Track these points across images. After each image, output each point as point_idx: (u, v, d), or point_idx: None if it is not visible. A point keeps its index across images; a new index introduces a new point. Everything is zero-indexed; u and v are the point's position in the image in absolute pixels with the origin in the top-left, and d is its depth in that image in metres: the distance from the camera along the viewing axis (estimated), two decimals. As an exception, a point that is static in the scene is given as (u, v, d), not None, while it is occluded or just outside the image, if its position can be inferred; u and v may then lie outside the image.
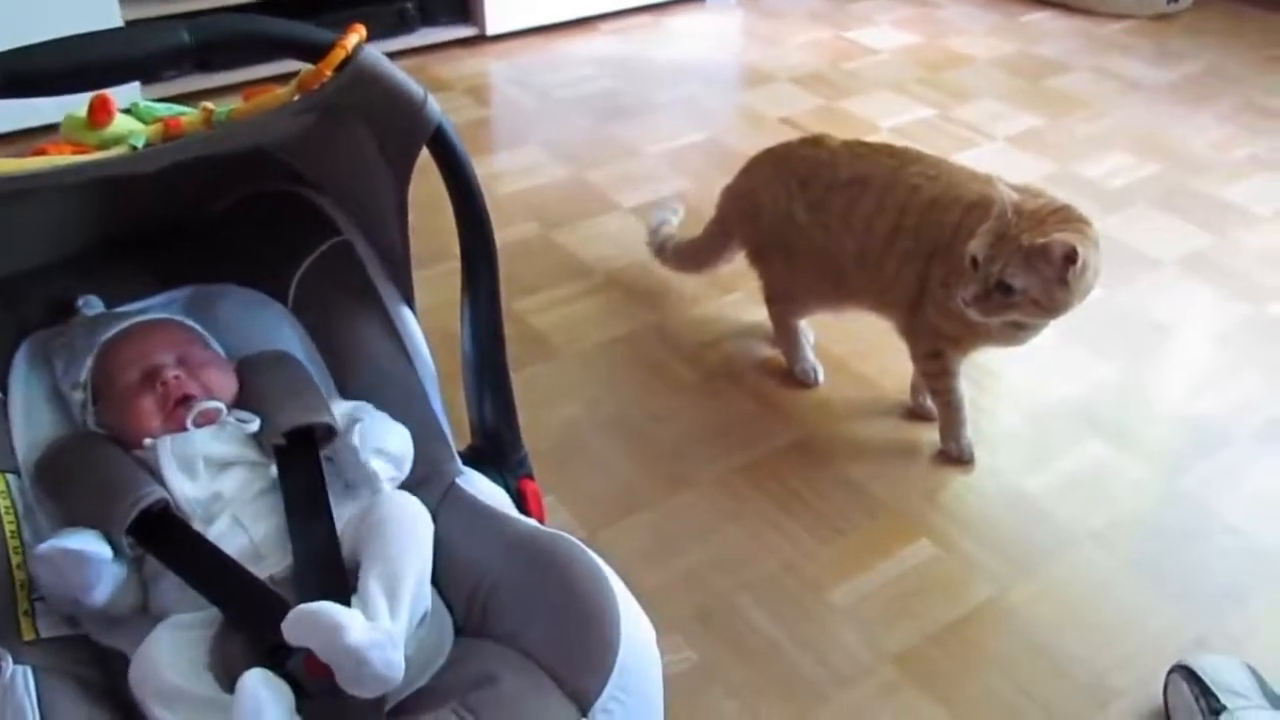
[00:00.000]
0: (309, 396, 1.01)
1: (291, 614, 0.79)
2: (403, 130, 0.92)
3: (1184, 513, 1.50)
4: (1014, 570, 1.40)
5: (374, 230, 1.09)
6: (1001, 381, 1.73)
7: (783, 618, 1.33)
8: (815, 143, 1.61)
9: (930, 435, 1.61)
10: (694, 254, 1.84)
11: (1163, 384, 1.74)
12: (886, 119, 2.58)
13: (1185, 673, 1.18)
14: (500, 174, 2.31)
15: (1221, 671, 1.17)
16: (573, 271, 1.98)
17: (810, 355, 1.73)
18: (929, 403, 1.63)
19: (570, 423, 1.63)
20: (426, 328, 1.14)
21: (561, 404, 1.66)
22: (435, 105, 0.91)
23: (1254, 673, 1.17)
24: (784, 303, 1.72)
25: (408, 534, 0.91)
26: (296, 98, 0.90)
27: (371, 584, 0.85)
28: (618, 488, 1.52)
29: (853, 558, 1.41)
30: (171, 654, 0.82)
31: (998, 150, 2.45)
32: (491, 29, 2.92)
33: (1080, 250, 1.26)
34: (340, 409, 1.02)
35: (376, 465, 0.96)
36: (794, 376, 1.73)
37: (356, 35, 0.87)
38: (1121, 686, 1.25)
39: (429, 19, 2.88)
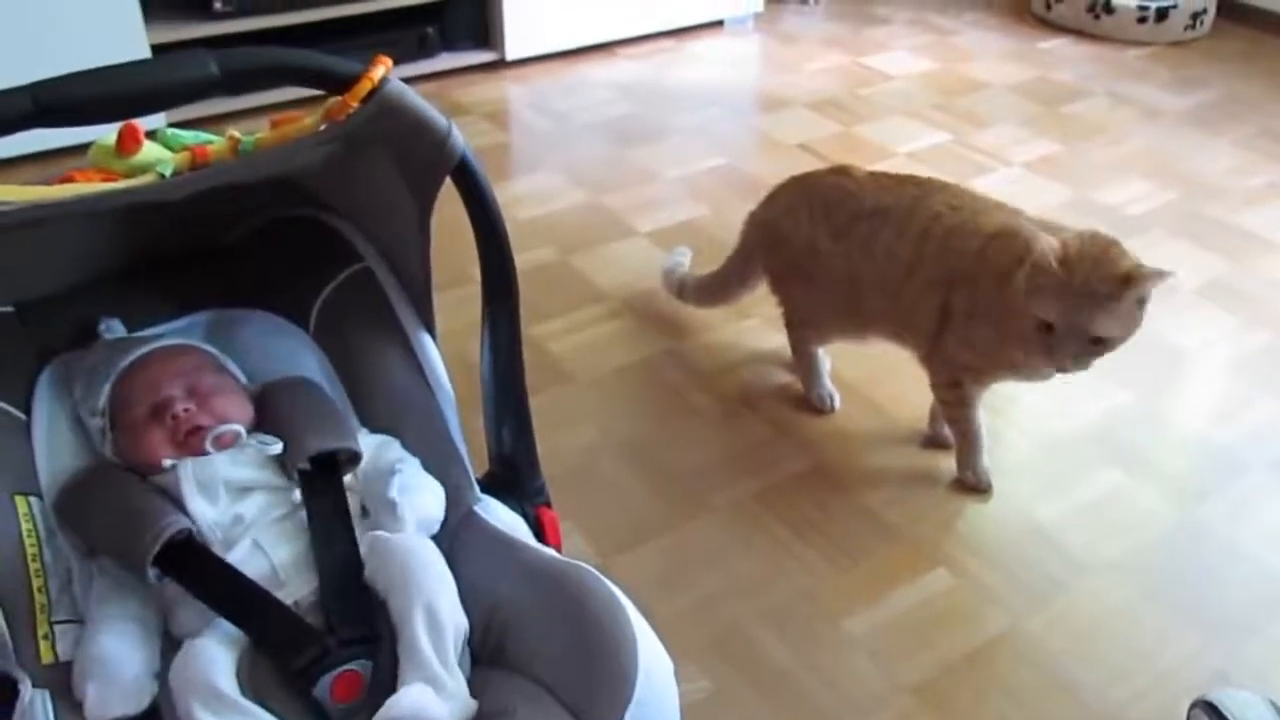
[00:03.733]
0: (333, 421, 1.02)
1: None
2: (426, 161, 0.93)
3: (1201, 542, 1.50)
4: (1030, 600, 1.39)
5: (395, 257, 1.10)
6: (1018, 409, 1.73)
7: (798, 646, 1.32)
8: (842, 172, 1.62)
9: (947, 463, 1.61)
10: (716, 286, 1.84)
11: (1180, 412, 1.74)
12: (903, 144, 2.59)
13: (1208, 708, 1.17)
14: (518, 199, 2.33)
15: (1245, 708, 1.16)
16: (589, 297, 1.98)
17: (827, 382, 1.73)
18: (947, 431, 1.62)
19: (586, 448, 1.63)
20: (445, 352, 1.14)
21: (577, 430, 1.67)
22: (459, 136, 0.92)
23: (1275, 706, 1.16)
24: (804, 329, 1.72)
25: (435, 577, 0.91)
26: (322, 127, 0.91)
27: (421, 639, 0.85)
28: (633, 514, 1.52)
29: (869, 586, 1.41)
30: (214, 660, 0.83)
31: (1015, 176, 2.45)
32: (511, 54, 2.95)
33: (1150, 273, 1.27)
34: (367, 442, 1.03)
35: (409, 521, 0.97)
36: (810, 403, 1.73)
37: (383, 67, 0.88)
38: (1138, 718, 1.24)
39: (449, 44, 2.91)
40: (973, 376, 1.50)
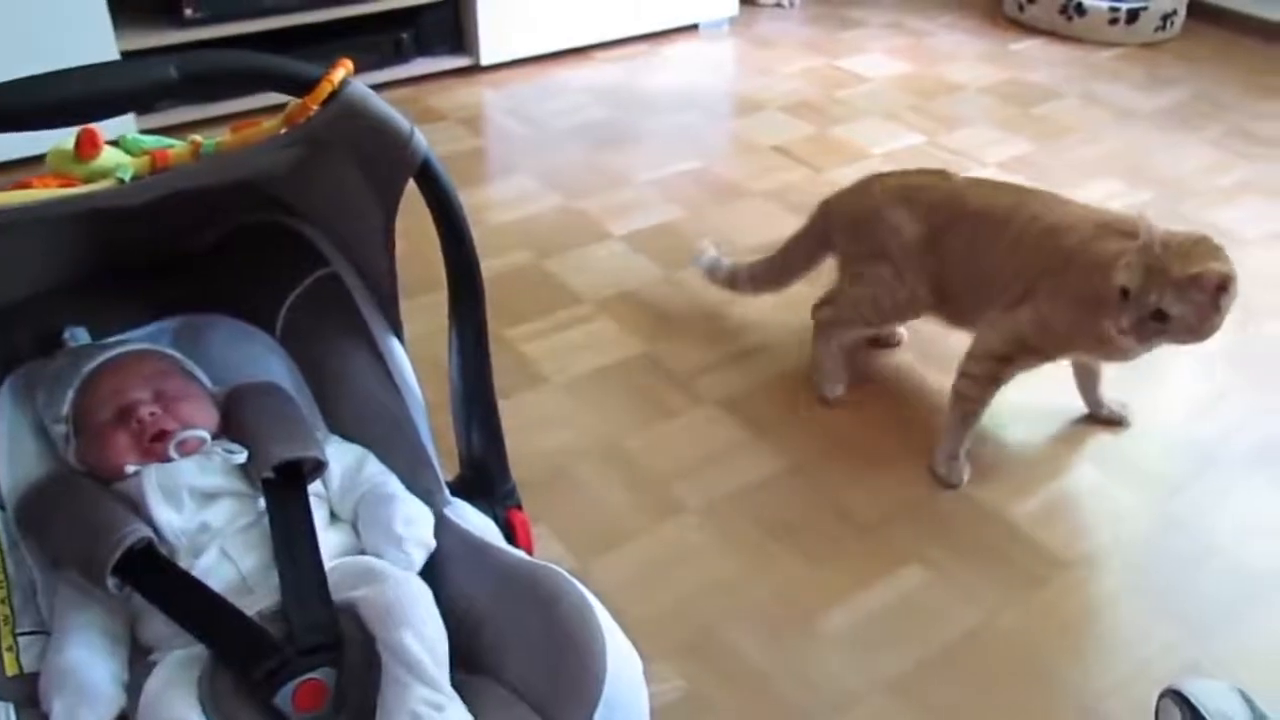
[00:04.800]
0: (298, 429, 1.01)
1: None
2: (389, 163, 0.93)
3: (1174, 536, 1.50)
4: (1004, 595, 1.40)
5: (362, 261, 1.10)
6: (991, 406, 1.73)
7: (773, 645, 1.32)
8: (939, 175, 1.71)
9: (921, 462, 1.61)
10: (779, 272, 1.85)
11: (1153, 406, 1.75)
12: (878, 146, 2.60)
13: (1177, 698, 1.18)
14: (493, 203, 2.33)
15: (1213, 696, 1.16)
16: (564, 300, 1.98)
17: (839, 370, 1.76)
18: (1107, 410, 1.70)
19: (560, 451, 1.63)
20: (416, 356, 1.14)
21: (552, 432, 1.66)
22: (422, 139, 0.92)
23: (1245, 697, 1.17)
24: (853, 320, 1.74)
25: (434, 620, 0.90)
26: (283, 131, 0.91)
27: (424, 660, 0.85)
28: (608, 516, 1.51)
29: (843, 584, 1.41)
30: (167, 690, 0.82)
31: (989, 176, 2.45)
32: (486, 59, 2.95)
33: (1233, 279, 1.33)
34: (339, 451, 1.03)
35: (417, 558, 0.96)
36: (816, 395, 1.76)
37: (343, 70, 0.88)
38: (1113, 711, 1.25)
39: (424, 49, 2.90)
40: (1027, 354, 1.54)
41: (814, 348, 1.78)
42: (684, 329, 1.91)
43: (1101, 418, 1.72)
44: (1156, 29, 3.30)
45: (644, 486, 1.57)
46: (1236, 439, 1.68)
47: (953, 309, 1.67)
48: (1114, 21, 3.28)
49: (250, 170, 0.95)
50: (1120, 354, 1.49)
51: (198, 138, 0.94)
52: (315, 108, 0.87)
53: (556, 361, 1.82)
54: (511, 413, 1.66)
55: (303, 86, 0.86)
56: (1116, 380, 1.79)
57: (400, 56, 2.85)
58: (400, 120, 0.90)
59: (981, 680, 1.29)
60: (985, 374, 1.57)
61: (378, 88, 2.75)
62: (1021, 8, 3.42)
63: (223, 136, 0.95)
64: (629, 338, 1.88)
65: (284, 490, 0.96)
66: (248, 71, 0.83)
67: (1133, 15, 3.26)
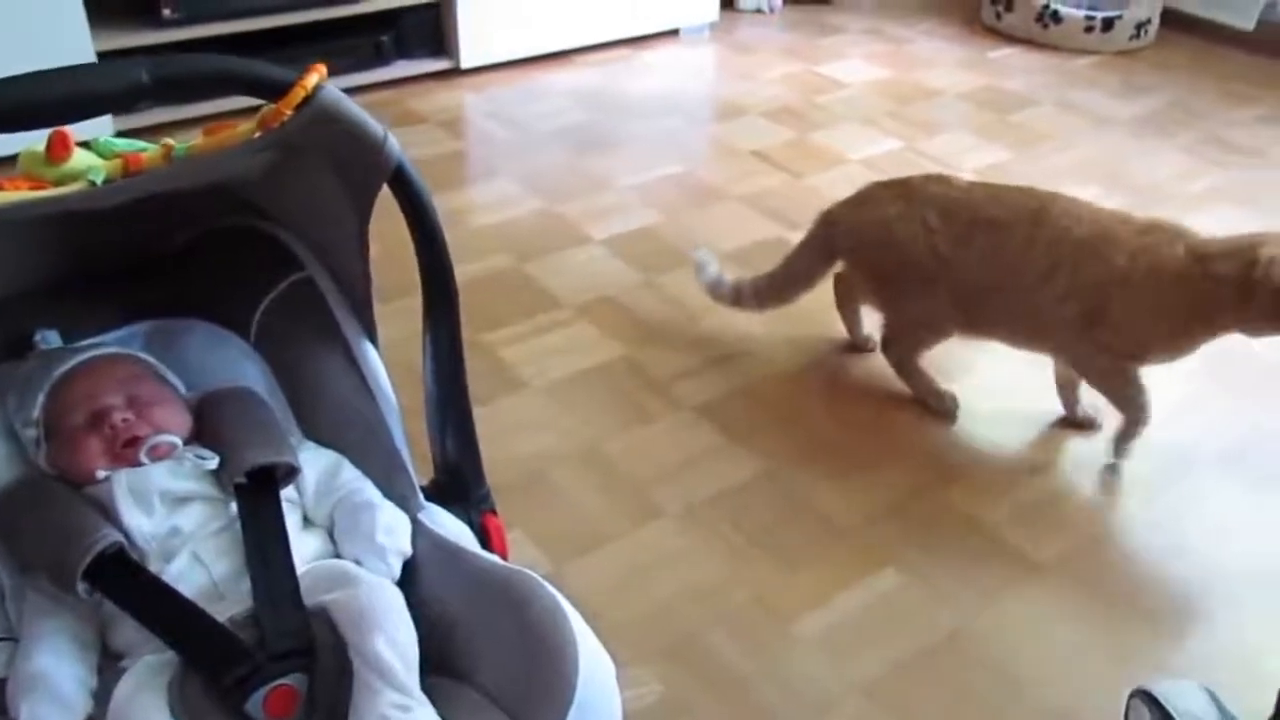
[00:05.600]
0: (271, 434, 1.01)
1: None
2: (363, 168, 0.92)
3: (1147, 537, 1.52)
4: (979, 597, 1.41)
5: (336, 266, 1.10)
6: (967, 412, 1.75)
7: (750, 649, 1.33)
8: (942, 180, 1.68)
9: (895, 465, 1.62)
10: (785, 286, 1.82)
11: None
12: (857, 151, 2.62)
13: (1146, 698, 1.19)
14: (473, 207, 2.32)
15: (1181, 696, 1.18)
16: (543, 304, 1.98)
17: (942, 386, 1.75)
18: (1082, 412, 1.72)
19: (539, 455, 1.63)
20: (392, 361, 1.14)
21: (530, 436, 1.66)
22: (395, 144, 0.92)
23: (1212, 696, 1.18)
24: (912, 338, 1.75)
25: (398, 621, 0.90)
26: (256, 135, 0.90)
27: (395, 665, 0.84)
28: (586, 521, 1.52)
29: (820, 588, 1.42)
30: (137, 696, 0.82)
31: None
32: (466, 62, 2.95)
33: None
34: (313, 457, 1.02)
35: (397, 566, 0.96)
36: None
37: (317, 74, 0.88)
38: (1085, 712, 1.26)
39: (404, 52, 2.90)
40: (1139, 363, 1.58)
41: (908, 383, 1.76)
42: (663, 334, 1.92)
43: (1075, 420, 1.73)
44: (1131, 37, 3.33)
45: (622, 491, 1.57)
46: (1208, 442, 1.70)
47: (970, 316, 1.66)
48: (1089, 30, 3.31)
49: (223, 174, 0.94)
50: (1190, 352, 1.56)
51: (170, 141, 0.94)
52: (289, 112, 0.87)
53: (535, 366, 1.82)
54: (490, 417, 1.68)
55: (276, 91, 0.86)
56: (1085, 388, 1.81)
57: (381, 59, 2.85)
58: (374, 125, 0.90)
59: (957, 683, 1.29)
60: (1124, 384, 1.60)
61: (358, 90, 2.79)
62: (999, 16, 3.45)
63: (196, 140, 0.95)
64: (608, 342, 1.88)
65: (256, 495, 0.95)
66: (220, 75, 0.83)
67: (1108, 23, 3.30)
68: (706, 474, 1.60)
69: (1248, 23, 3.34)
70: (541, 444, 1.65)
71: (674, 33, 3.32)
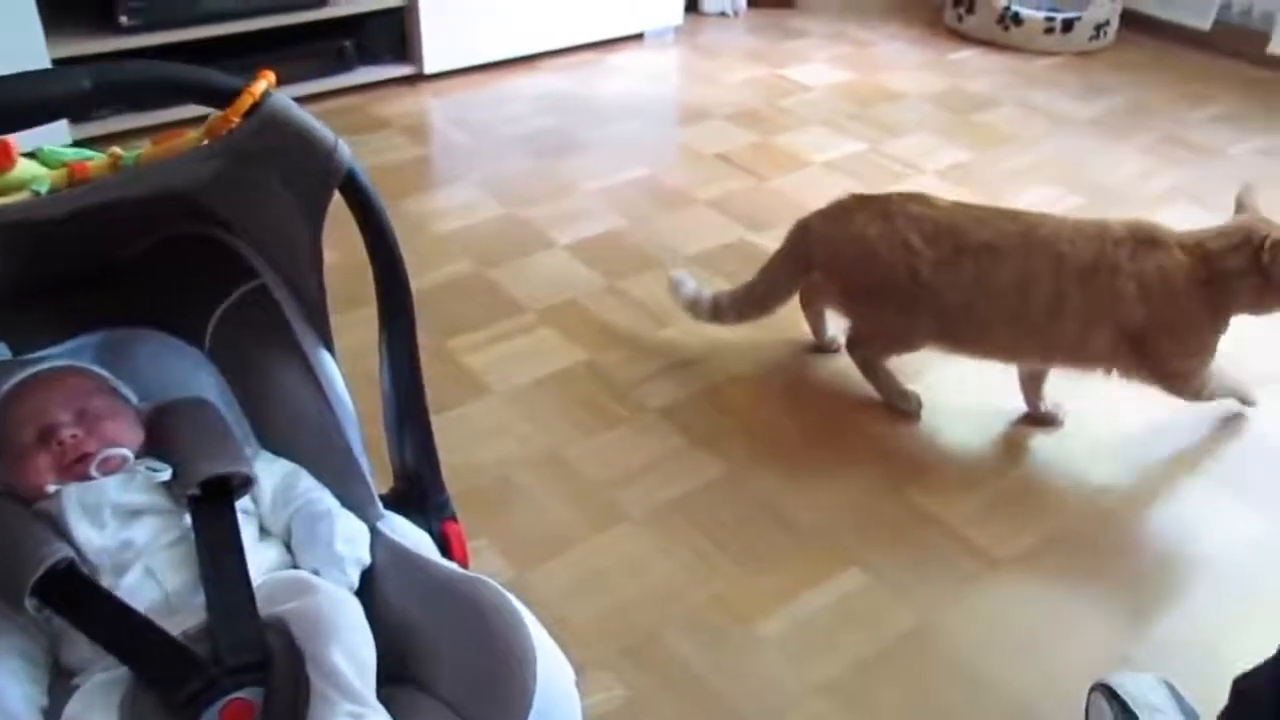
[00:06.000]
0: (225, 444, 1.00)
1: None
2: (314, 176, 0.92)
3: (1105, 533, 1.54)
4: (940, 595, 1.42)
5: (291, 274, 1.09)
6: (930, 411, 1.76)
7: (713, 651, 1.33)
8: (922, 200, 1.67)
9: (858, 464, 1.63)
10: (762, 297, 1.80)
11: (1085, 404, 1.78)
12: (820, 154, 2.63)
13: (1106, 691, 1.20)
14: (437, 212, 2.32)
15: (1140, 689, 1.19)
16: (507, 309, 1.98)
17: (906, 386, 1.76)
18: (1044, 408, 1.75)
19: (502, 461, 1.62)
20: (353, 370, 1.13)
21: (493, 442, 1.66)
22: (346, 150, 0.91)
23: (1171, 688, 1.20)
24: (877, 346, 1.75)
25: (354, 631, 0.89)
26: (205, 143, 0.90)
27: (348, 673, 0.84)
28: (549, 526, 1.51)
29: (782, 589, 1.42)
30: (87, 714, 0.81)
31: (928, 184, 2.49)
32: (430, 67, 2.94)
33: None
34: (271, 467, 1.02)
35: (355, 575, 0.96)
36: (896, 411, 1.76)
37: (265, 81, 0.87)
38: (1047, 707, 1.27)
39: (367, 58, 2.89)
40: (1204, 367, 1.64)
41: (872, 383, 1.77)
42: (626, 338, 1.92)
43: (1037, 417, 1.75)
44: (1091, 38, 3.37)
45: (585, 495, 1.57)
46: (1165, 438, 1.72)
47: (956, 336, 1.67)
48: (1049, 31, 3.34)
49: (171, 183, 0.93)
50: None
51: (117, 150, 0.93)
52: (236, 120, 0.86)
53: (498, 372, 1.81)
54: (453, 424, 1.68)
55: (223, 98, 0.85)
56: (1051, 382, 1.83)
57: (343, 65, 2.83)
58: (324, 132, 0.90)
59: (918, 681, 1.30)
60: (1202, 388, 1.66)
61: (321, 96, 2.78)
62: (961, 18, 3.48)
63: (144, 149, 0.94)
64: (571, 347, 1.88)
65: (210, 507, 0.95)
66: (164, 83, 0.82)
67: (1068, 25, 3.33)
68: (669, 477, 1.60)
69: (1204, 23, 3.39)
70: (504, 450, 1.65)
71: (638, 37, 3.32)
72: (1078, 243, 1.58)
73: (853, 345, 1.78)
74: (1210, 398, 1.70)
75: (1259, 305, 1.58)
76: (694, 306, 1.84)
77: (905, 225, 1.63)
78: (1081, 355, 1.62)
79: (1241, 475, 1.65)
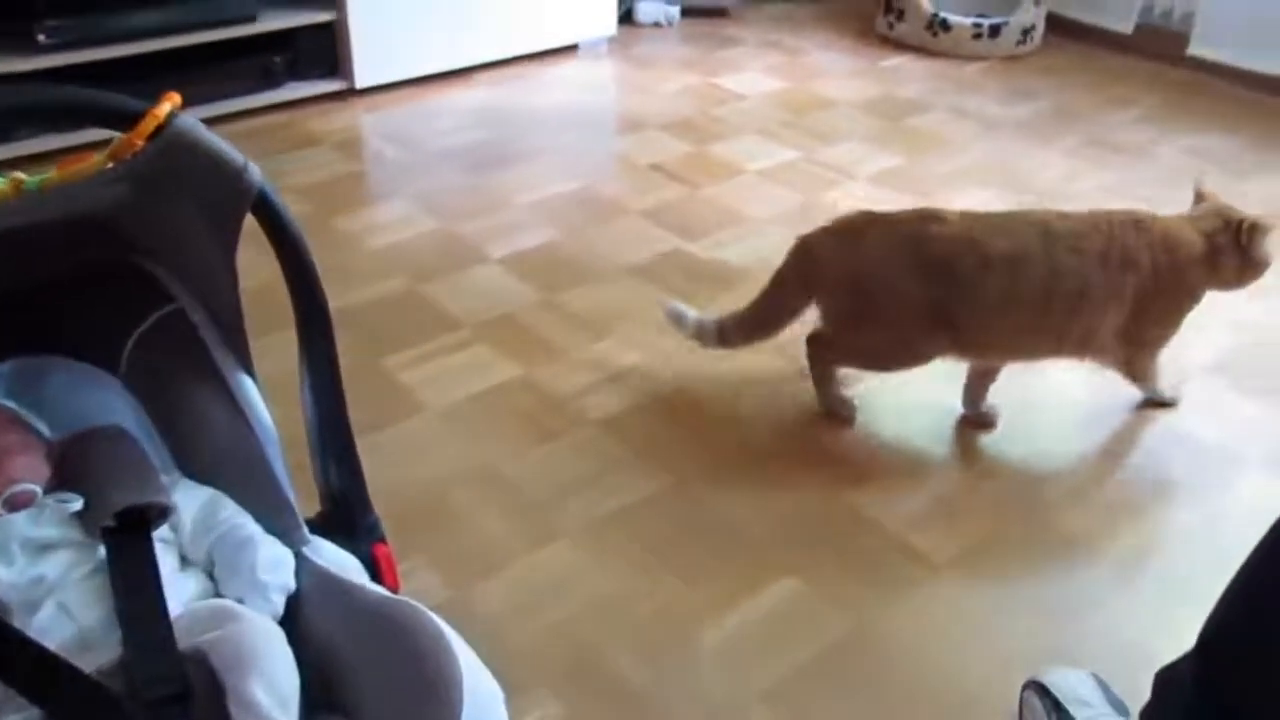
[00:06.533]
0: (140, 473, 0.98)
1: None
2: (224, 198, 0.90)
3: (1036, 532, 1.56)
4: (877, 600, 1.43)
5: (207, 297, 1.07)
6: (867, 415, 1.77)
7: (653, 663, 1.33)
8: (935, 218, 1.63)
9: (798, 472, 1.64)
10: (767, 319, 1.75)
11: (1017, 407, 1.81)
12: (754, 162, 2.65)
13: (1037, 688, 1.22)
14: (369, 228, 2.29)
15: (1070, 683, 1.21)
16: (441, 325, 1.96)
17: (846, 393, 1.78)
18: (983, 409, 1.78)
19: (438, 480, 1.61)
20: (280, 393, 1.11)
21: (429, 460, 1.64)
22: (256, 171, 0.90)
23: (1099, 681, 1.22)
24: (841, 360, 1.76)
25: (276, 661, 0.87)
26: (110, 166, 0.88)
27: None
28: (487, 544, 1.50)
29: (722, 598, 1.42)
30: None
31: (860, 190, 2.53)
32: (361, 82, 2.91)
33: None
34: (192, 495, 0.99)
35: (279, 603, 0.94)
36: (832, 416, 1.77)
37: (169, 103, 0.86)
38: (983, 708, 1.28)
39: (297, 74, 2.86)
40: (1166, 342, 1.73)
41: (817, 386, 1.76)
42: (562, 351, 1.91)
43: (975, 418, 1.77)
44: (1018, 43, 3.43)
45: (523, 511, 1.56)
46: (1094, 437, 1.76)
47: (963, 345, 1.66)
48: (977, 36, 3.41)
49: (75, 207, 0.91)
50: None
51: (19, 175, 0.91)
52: (140, 143, 0.85)
53: (433, 389, 1.80)
54: (387, 443, 1.66)
55: (125, 121, 0.84)
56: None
57: (272, 81, 2.80)
58: (232, 153, 0.88)
59: (857, 684, 1.31)
60: (1152, 363, 1.75)
61: (250, 113, 2.74)
62: (891, 26, 3.53)
63: (49, 174, 0.92)
64: (507, 362, 1.87)
65: (126, 538, 0.92)
66: (63, 105, 0.81)
67: (995, 30, 3.40)
68: (608, 490, 1.60)
69: (1126, 26, 3.47)
70: (440, 467, 1.63)
71: (573, 48, 3.33)
72: (1089, 232, 1.62)
73: (820, 349, 1.74)
74: (1153, 382, 1.78)
75: (1237, 282, 1.68)
76: (701, 336, 1.78)
77: (928, 256, 1.60)
78: (1092, 341, 1.66)
79: (1168, 470, 1.69)
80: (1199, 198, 1.73)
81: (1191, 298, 1.68)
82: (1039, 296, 1.60)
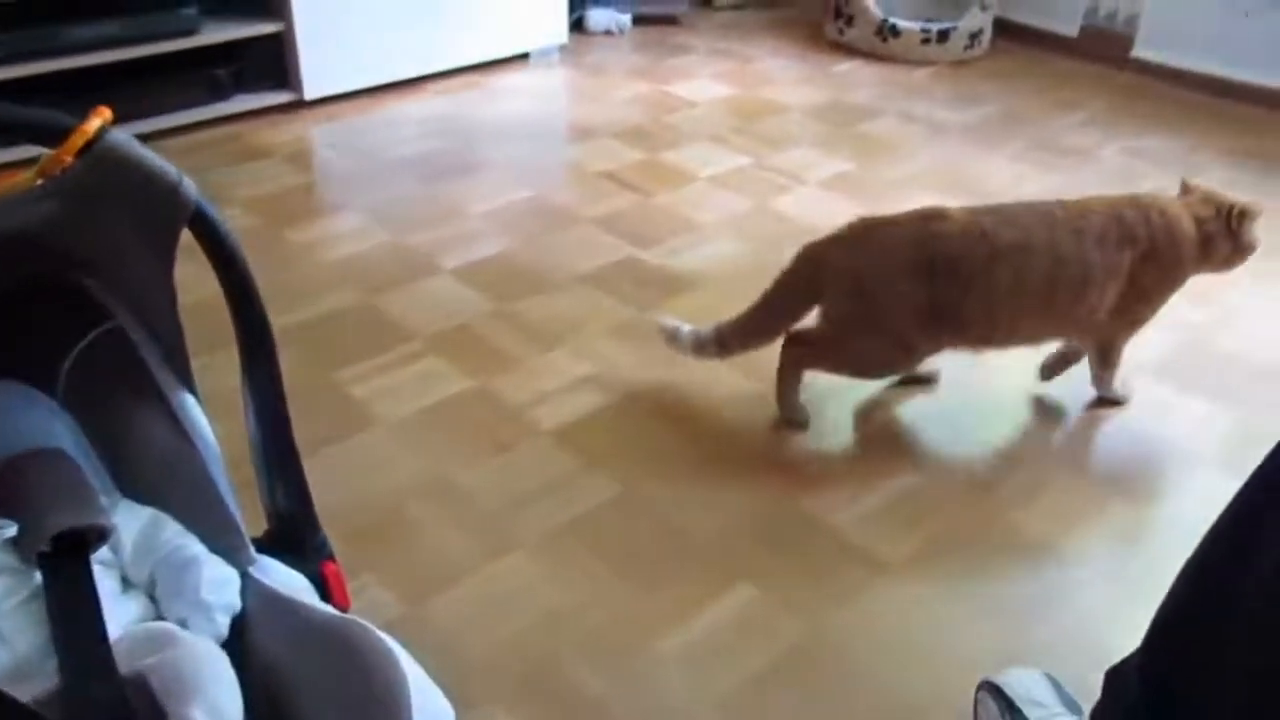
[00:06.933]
0: (78, 496, 0.95)
1: None
2: (159, 213, 0.89)
3: (988, 532, 1.57)
4: (832, 603, 1.44)
5: (146, 314, 1.05)
6: (817, 419, 1.78)
7: (609, 673, 1.32)
8: (940, 216, 1.64)
9: (751, 477, 1.65)
10: (767, 325, 1.74)
11: (966, 406, 1.83)
12: (705, 169, 2.66)
13: (991, 689, 1.23)
14: (320, 241, 2.27)
15: (1024, 684, 1.22)
16: (394, 338, 1.94)
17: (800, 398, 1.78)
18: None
19: (391, 493, 1.59)
20: (225, 410, 1.09)
21: (382, 474, 1.63)
22: (191, 186, 0.88)
23: (1053, 681, 1.23)
24: (817, 363, 1.76)
25: (218, 684, 0.86)
26: (39, 183, 0.86)
27: None
28: (441, 557, 1.49)
29: (678, 606, 1.42)
30: None
31: (812, 195, 2.54)
32: (310, 93, 2.89)
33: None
34: (133, 515, 0.97)
35: (223, 623, 0.92)
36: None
37: (99, 119, 0.84)
38: (938, 709, 1.29)
39: (244, 85, 2.83)
40: (1145, 323, 1.77)
41: (780, 378, 1.76)
42: (515, 361, 1.90)
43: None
44: (966, 47, 3.48)
45: (477, 523, 1.55)
46: (1046, 435, 1.78)
47: (978, 340, 1.70)
48: (926, 41, 3.44)
49: (3, 225, 0.89)
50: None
51: (-55, 194, 0.88)
52: (70, 159, 0.83)
53: (386, 402, 1.78)
54: (340, 458, 1.64)
55: (53, 137, 0.82)
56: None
57: (219, 94, 2.77)
58: (166, 169, 0.87)
59: (814, 691, 1.31)
60: (1123, 344, 1.78)
61: (196, 126, 2.70)
62: (841, 31, 3.56)
63: (-24, 191, 0.90)
64: (460, 373, 1.86)
65: (63, 563, 0.90)
66: (-12, 123, 0.79)
67: (943, 35, 3.44)
68: (563, 500, 1.59)
69: (1072, 29, 3.53)
70: (393, 481, 1.61)
71: (524, 57, 3.32)
72: (1088, 215, 1.66)
73: (801, 352, 1.74)
74: (1114, 376, 1.82)
75: (1226, 265, 1.74)
76: (700, 348, 1.77)
77: (938, 253, 1.61)
78: (1092, 320, 1.70)
79: (1120, 469, 1.71)
80: (1185, 190, 1.78)
81: (1182, 274, 1.72)
82: (1045, 283, 1.63)
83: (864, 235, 1.67)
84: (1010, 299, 1.64)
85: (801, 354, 1.75)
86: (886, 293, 1.64)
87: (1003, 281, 1.62)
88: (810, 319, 1.73)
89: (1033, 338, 1.75)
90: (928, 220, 1.64)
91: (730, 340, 1.75)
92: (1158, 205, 1.70)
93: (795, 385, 1.77)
